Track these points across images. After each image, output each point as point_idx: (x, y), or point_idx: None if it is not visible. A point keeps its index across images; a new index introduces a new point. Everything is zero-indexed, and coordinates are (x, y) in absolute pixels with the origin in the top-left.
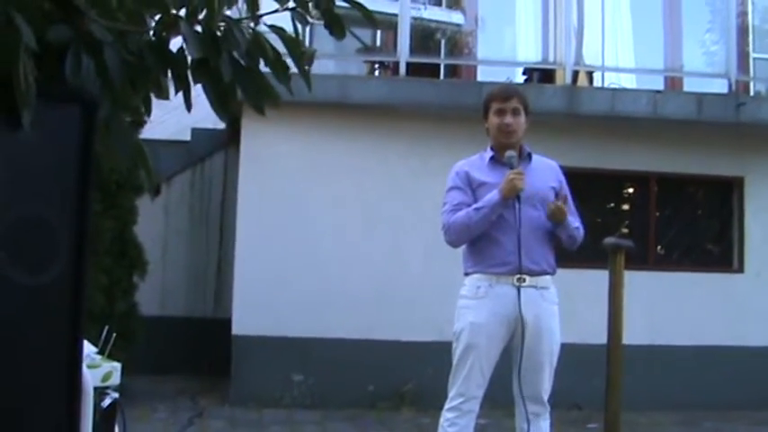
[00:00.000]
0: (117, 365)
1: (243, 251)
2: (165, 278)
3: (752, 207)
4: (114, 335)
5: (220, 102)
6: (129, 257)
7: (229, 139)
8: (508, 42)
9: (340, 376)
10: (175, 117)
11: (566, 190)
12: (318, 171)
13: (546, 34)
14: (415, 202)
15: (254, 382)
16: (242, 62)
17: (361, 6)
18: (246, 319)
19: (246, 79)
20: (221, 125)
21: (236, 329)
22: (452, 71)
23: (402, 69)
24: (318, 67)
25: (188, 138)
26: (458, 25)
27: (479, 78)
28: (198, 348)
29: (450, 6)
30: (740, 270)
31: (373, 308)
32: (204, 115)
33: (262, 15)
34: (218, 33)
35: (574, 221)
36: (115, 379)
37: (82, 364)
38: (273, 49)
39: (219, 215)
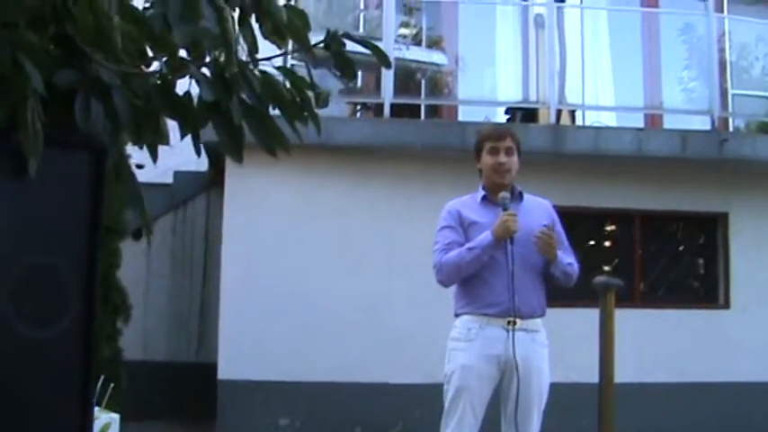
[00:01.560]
0: (115, 417)
1: (228, 295)
2: (146, 322)
3: (736, 243)
4: (112, 385)
5: (232, 144)
6: (113, 302)
7: (212, 182)
8: (488, 82)
9: (327, 420)
10: (158, 160)
11: (559, 227)
12: (302, 213)
13: (526, 74)
14: (401, 243)
15: (240, 427)
16: (251, 105)
17: (376, 49)
18: (232, 364)
19: (257, 122)
20: (204, 168)
21: (222, 374)
22: (433, 111)
23: (386, 111)
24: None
25: (170, 180)
26: (437, 65)
27: (460, 118)
28: (181, 393)
29: (430, 46)
30: (726, 306)
31: (360, 350)
32: (186, 158)
33: (270, 58)
34: (227, 76)
35: (566, 258)
36: (113, 430)
37: (93, 420)
38: (289, 91)
39: (202, 258)
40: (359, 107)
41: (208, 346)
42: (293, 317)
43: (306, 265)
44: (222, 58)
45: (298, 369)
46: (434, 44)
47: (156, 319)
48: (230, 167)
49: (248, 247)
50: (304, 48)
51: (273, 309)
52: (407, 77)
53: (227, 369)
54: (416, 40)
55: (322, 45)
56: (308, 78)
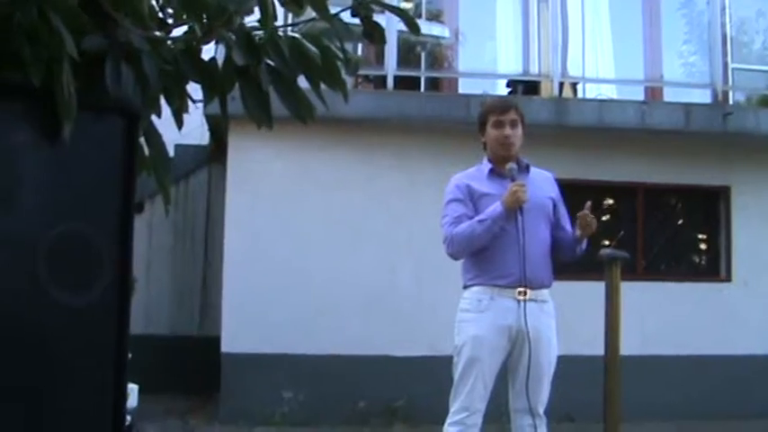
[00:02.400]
0: (134, 387)
1: (231, 268)
2: (149, 296)
3: (738, 216)
4: (130, 355)
5: (260, 110)
6: None
7: (213, 155)
8: (488, 55)
9: (331, 392)
10: (162, 133)
11: (561, 201)
12: (306, 186)
13: (527, 46)
14: (404, 216)
15: (243, 400)
16: (280, 70)
17: (406, 15)
18: (235, 336)
19: (285, 89)
20: (205, 141)
21: (225, 347)
22: (433, 84)
23: (389, 83)
24: (303, 80)
25: (171, 153)
26: (437, 38)
27: (460, 91)
28: (184, 366)
29: (429, 19)
30: (728, 279)
31: (363, 323)
32: (188, 131)
33: (295, 24)
34: (257, 40)
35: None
36: (132, 401)
37: (126, 386)
38: (323, 53)
39: (204, 231)
40: (359, 79)
41: (210, 320)
42: (296, 290)
43: (309, 239)
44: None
45: (301, 342)
46: (434, 17)
47: (159, 293)
48: (232, 141)
49: (251, 220)
50: (324, 16)
51: (276, 282)
52: (408, 50)
53: (231, 342)
54: (416, 13)
55: (350, 11)
56: (332, 46)
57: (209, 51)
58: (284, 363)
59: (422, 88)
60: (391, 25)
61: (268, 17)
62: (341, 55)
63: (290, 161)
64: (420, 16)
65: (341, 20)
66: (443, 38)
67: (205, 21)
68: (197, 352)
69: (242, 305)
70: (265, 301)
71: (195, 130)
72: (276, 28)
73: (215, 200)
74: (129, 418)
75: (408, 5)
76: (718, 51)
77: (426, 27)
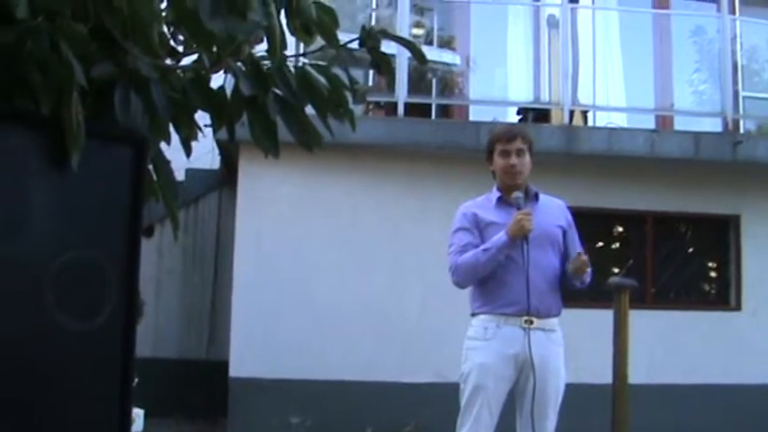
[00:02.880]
0: (140, 412)
1: (240, 292)
2: (158, 319)
3: (748, 245)
4: (137, 379)
5: (268, 139)
6: None
7: (224, 180)
8: (499, 82)
9: (338, 418)
10: (169, 157)
11: (573, 229)
12: (316, 212)
13: (538, 74)
14: (413, 243)
15: (251, 425)
16: (287, 100)
17: (413, 46)
18: (243, 361)
19: (292, 118)
20: (216, 166)
21: (233, 371)
22: (444, 111)
23: (400, 110)
24: (311, 107)
25: (182, 178)
26: (448, 65)
27: (471, 118)
28: (192, 391)
29: (441, 46)
30: (737, 308)
31: (371, 349)
32: (198, 155)
33: (304, 54)
34: (265, 70)
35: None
36: (138, 425)
37: (131, 412)
38: (325, 87)
39: (213, 256)
40: (370, 106)
41: (219, 344)
42: (305, 315)
43: (318, 264)
44: (254, 53)
45: (310, 367)
46: (446, 44)
47: (168, 317)
48: (243, 166)
49: (260, 245)
50: (333, 45)
51: (285, 307)
52: (419, 77)
53: (239, 367)
54: (427, 40)
55: (357, 42)
56: (341, 75)
57: (217, 79)
58: (292, 388)
59: (433, 115)
60: (402, 52)
61: (275, 47)
62: (348, 84)
63: (301, 186)
64: (431, 43)
65: (349, 49)
66: (454, 65)
67: (214, 50)
68: (205, 376)
69: (250, 329)
70: (274, 325)
71: (206, 155)
72: (285, 57)
73: (225, 224)
74: None
75: (420, 32)
76: (729, 80)
77: (437, 54)
